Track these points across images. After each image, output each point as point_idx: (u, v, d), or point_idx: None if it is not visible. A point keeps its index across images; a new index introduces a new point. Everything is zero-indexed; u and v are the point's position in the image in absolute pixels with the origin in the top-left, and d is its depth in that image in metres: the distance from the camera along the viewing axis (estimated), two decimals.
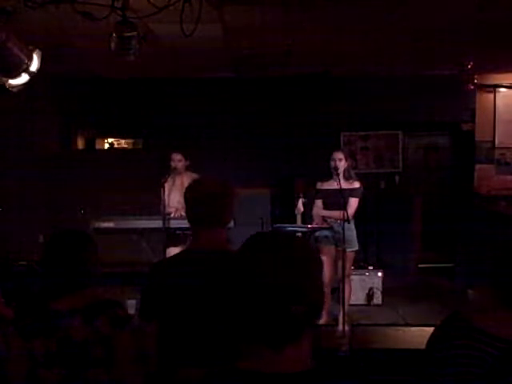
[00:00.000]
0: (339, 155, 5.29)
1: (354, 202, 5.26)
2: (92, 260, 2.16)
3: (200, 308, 2.07)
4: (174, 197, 5.56)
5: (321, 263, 1.26)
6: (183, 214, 4.87)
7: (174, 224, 5.35)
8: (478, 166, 8.04)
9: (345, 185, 5.20)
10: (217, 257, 2.14)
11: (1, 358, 2.17)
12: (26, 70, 3.98)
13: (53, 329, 2.03)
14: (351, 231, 5.27)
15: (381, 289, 6.10)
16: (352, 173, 5.39)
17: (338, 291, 5.37)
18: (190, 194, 2.22)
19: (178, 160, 5.67)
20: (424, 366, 1.70)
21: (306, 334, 1.18)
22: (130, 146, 9.85)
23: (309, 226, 5.35)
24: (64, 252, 2.13)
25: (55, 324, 2.03)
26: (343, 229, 5.00)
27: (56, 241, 2.17)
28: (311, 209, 5.53)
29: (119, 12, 3.67)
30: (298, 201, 5.50)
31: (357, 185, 5.36)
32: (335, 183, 5.14)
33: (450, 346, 1.62)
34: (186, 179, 5.41)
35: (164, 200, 5.33)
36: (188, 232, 4.72)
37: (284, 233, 1.33)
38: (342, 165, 5.26)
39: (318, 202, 5.44)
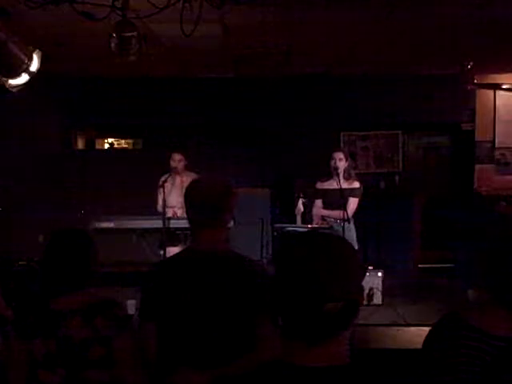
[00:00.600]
0: (339, 155, 5.29)
1: (353, 202, 5.26)
2: (92, 259, 2.16)
3: (201, 308, 2.07)
4: (173, 196, 5.56)
5: (362, 265, 1.29)
6: (183, 213, 4.87)
7: (173, 224, 5.35)
8: (477, 166, 8.04)
9: (345, 185, 5.20)
10: (217, 256, 2.14)
11: (1, 359, 2.17)
12: (26, 70, 3.99)
13: (52, 329, 2.03)
14: (351, 231, 5.26)
15: (381, 289, 6.09)
16: (352, 173, 5.39)
17: None
18: (190, 194, 2.22)
19: (178, 160, 5.67)
20: (422, 365, 1.70)
21: (342, 331, 1.21)
22: (130, 146, 9.85)
23: (309, 226, 5.35)
24: (64, 251, 2.12)
25: (55, 324, 2.03)
26: (343, 229, 5.00)
27: (56, 240, 2.17)
28: (310, 209, 5.53)
29: (119, 12, 3.67)
30: (298, 201, 5.50)
31: (357, 185, 5.35)
32: (335, 183, 5.14)
33: (448, 346, 1.62)
34: (185, 179, 5.41)
35: (164, 200, 5.33)
36: (188, 232, 4.73)
37: (324, 232, 1.36)
38: (342, 165, 5.25)
39: (318, 202, 5.44)
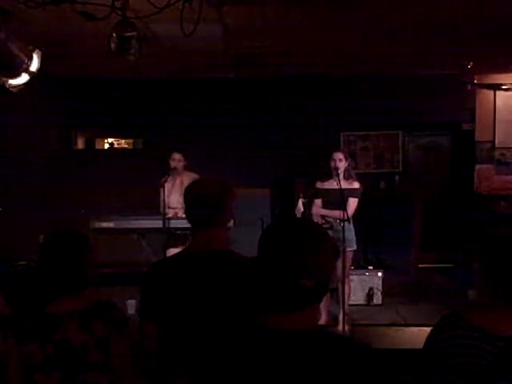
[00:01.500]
0: (339, 155, 5.29)
1: (353, 203, 5.26)
2: (88, 261, 2.14)
3: (200, 307, 2.07)
4: (173, 197, 5.56)
5: (334, 249, 1.46)
6: (182, 214, 4.87)
7: (173, 224, 5.35)
8: (477, 166, 8.04)
9: (344, 185, 5.20)
10: (216, 256, 2.14)
11: (1, 359, 2.16)
12: (26, 70, 3.99)
13: (50, 332, 2.01)
14: (350, 231, 5.27)
15: (381, 289, 6.10)
16: (352, 173, 5.39)
17: (337, 291, 5.37)
18: (189, 194, 2.22)
19: (178, 160, 5.67)
20: (423, 365, 1.70)
21: (312, 305, 1.40)
22: (130, 146, 9.85)
23: None
24: (59, 253, 2.11)
25: (52, 327, 2.02)
26: (343, 228, 5.00)
27: (51, 242, 2.16)
28: (310, 209, 5.53)
29: (119, 12, 3.67)
30: (298, 201, 5.50)
31: (356, 185, 5.35)
32: (335, 183, 5.14)
33: (448, 346, 1.62)
34: (185, 179, 5.41)
35: (164, 200, 5.33)
36: (188, 232, 4.73)
37: (302, 219, 1.52)
38: (342, 165, 5.26)
39: (318, 201, 5.44)
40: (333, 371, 1.30)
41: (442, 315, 1.76)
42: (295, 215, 5.56)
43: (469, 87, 7.21)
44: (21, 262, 5.18)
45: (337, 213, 5.13)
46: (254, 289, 1.41)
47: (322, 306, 4.98)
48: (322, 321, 5.11)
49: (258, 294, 1.40)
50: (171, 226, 5.34)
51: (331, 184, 5.26)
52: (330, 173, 5.28)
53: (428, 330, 1.78)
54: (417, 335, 4.66)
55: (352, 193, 5.26)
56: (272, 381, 1.31)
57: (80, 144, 8.98)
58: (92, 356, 2.00)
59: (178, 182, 5.67)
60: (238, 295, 2.07)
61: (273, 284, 1.36)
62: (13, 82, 4.04)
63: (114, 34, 3.74)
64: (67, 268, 2.09)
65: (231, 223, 5.14)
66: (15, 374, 2.04)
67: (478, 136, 8.04)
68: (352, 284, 5.76)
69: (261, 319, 1.39)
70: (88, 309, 2.05)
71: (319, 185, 5.46)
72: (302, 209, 5.47)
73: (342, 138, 8.26)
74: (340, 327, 5.09)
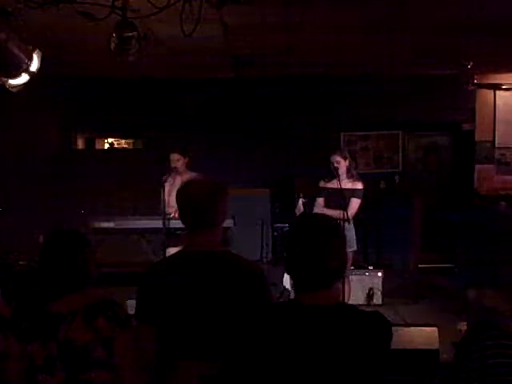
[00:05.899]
0: (336, 158, 5.27)
1: (355, 203, 5.25)
2: (87, 260, 2.14)
3: (198, 309, 2.07)
4: (174, 196, 5.55)
5: (345, 238, 1.85)
6: None
7: (173, 224, 5.35)
8: (477, 166, 8.05)
9: (347, 185, 5.19)
10: (212, 257, 2.14)
11: (1, 359, 2.16)
12: (26, 70, 3.98)
13: (53, 331, 2.01)
14: (350, 231, 5.26)
15: (381, 289, 6.09)
16: (354, 173, 5.37)
17: None
18: (181, 196, 2.23)
19: (176, 160, 5.66)
20: (457, 375, 1.72)
21: (335, 282, 1.74)
22: (130, 146, 9.86)
23: None
24: (60, 252, 2.11)
25: (55, 326, 2.02)
26: (343, 229, 5.00)
27: (52, 242, 2.16)
28: (311, 209, 5.53)
29: (119, 12, 3.67)
30: (298, 201, 5.50)
31: (359, 186, 5.33)
32: (337, 183, 5.14)
33: (486, 355, 1.65)
34: (185, 178, 5.40)
35: (164, 200, 5.33)
36: None
37: (324, 217, 1.94)
38: (341, 166, 5.25)
39: (320, 201, 5.43)
40: (360, 334, 1.67)
41: (445, 316, 1.79)
42: (295, 215, 5.55)
43: (469, 87, 7.21)
44: (21, 262, 5.18)
45: (338, 213, 5.12)
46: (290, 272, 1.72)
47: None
48: None
49: (295, 277, 1.72)
50: (171, 225, 5.33)
51: (334, 184, 5.25)
52: (332, 172, 5.27)
53: (428, 329, 1.78)
54: (417, 335, 4.66)
55: (355, 193, 5.25)
56: (314, 347, 1.62)
57: (80, 144, 8.99)
58: (95, 354, 1.99)
59: (178, 181, 5.65)
60: (236, 296, 2.07)
61: (308, 269, 1.68)
62: (13, 82, 4.04)
63: (114, 34, 3.74)
64: (68, 267, 2.09)
65: (231, 223, 5.16)
66: (17, 374, 2.04)
67: (478, 136, 8.05)
68: (352, 284, 5.75)
69: (298, 298, 1.73)
70: (91, 306, 2.05)
71: (322, 184, 5.45)
72: (302, 209, 5.46)
73: (342, 138, 8.27)
74: None
